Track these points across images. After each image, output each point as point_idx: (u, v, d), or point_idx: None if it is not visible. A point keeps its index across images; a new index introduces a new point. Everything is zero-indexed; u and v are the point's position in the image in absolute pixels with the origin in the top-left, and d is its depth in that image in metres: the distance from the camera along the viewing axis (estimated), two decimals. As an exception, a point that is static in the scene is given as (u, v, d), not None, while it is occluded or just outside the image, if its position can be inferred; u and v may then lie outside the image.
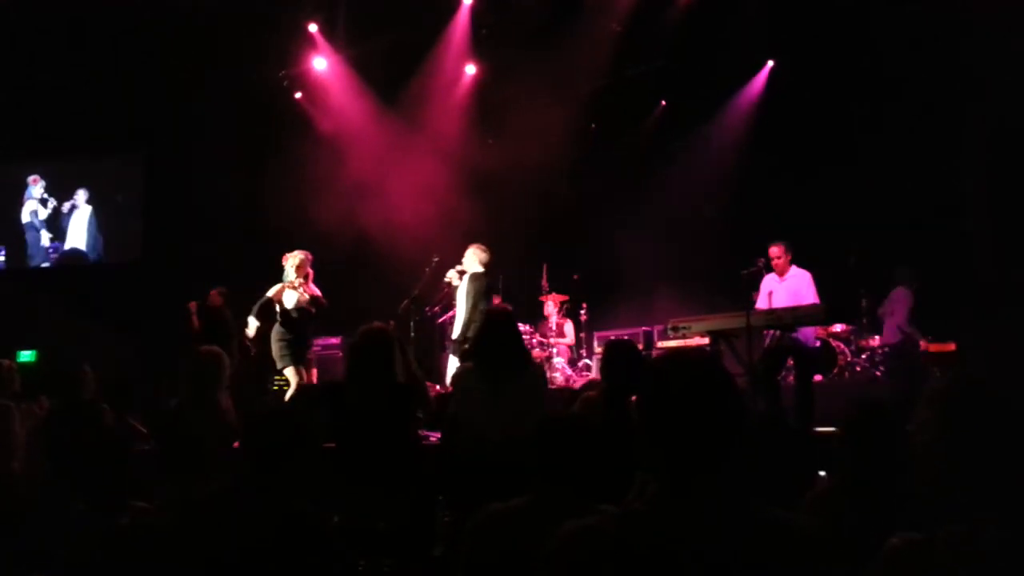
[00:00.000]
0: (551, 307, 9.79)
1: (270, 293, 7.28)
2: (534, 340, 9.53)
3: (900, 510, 1.96)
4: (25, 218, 11.26)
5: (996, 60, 8.12)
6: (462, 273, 7.46)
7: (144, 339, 10.25)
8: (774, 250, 6.92)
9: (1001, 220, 8.22)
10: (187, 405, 4.12)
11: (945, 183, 8.80)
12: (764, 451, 3.59)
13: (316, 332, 7.85)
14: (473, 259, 7.45)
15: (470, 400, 4.00)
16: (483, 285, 7.17)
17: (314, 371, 7.45)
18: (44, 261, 11.28)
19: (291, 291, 7.26)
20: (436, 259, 8.84)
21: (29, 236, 11.22)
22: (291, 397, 7.09)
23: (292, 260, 7.28)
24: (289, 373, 7.19)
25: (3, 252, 11.20)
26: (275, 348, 7.20)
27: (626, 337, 9.54)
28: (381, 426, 3.85)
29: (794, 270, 6.90)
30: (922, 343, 8.15)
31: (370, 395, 3.88)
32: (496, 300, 9.34)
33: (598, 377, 9.43)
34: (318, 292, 7.40)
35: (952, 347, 7.94)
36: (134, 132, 11.11)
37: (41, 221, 11.24)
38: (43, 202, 11.19)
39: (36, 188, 11.21)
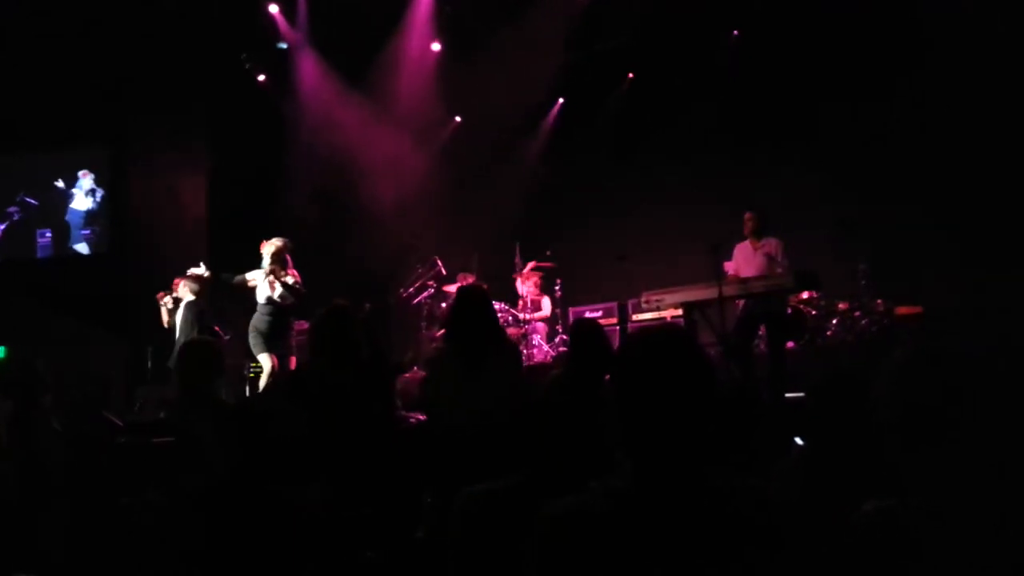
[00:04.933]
0: (528, 283, 9.78)
1: (247, 276, 7.28)
2: (509, 317, 9.55)
3: (871, 477, 2.00)
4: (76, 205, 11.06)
5: (957, 23, 8.22)
6: (177, 301, 7.87)
7: (117, 332, 10.13)
8: (747, 216, 7.04)
9: (969, 180, 8.34)
10: (185, 397, 4.05)
11: (911, 149, 8.90)
12: (738, 420, 3.65)
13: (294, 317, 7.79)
14: (185, 289, 7.80)
15: (446, 381, 3.96)
16: (196, 313, 7.64)
17: (292, 359, 7.39)
18: (86, 249, 11.04)
19: (263, 281, 7.20)
20: (409, 241, 8.88)
21: (72, 221, 11.00)
22: (265, 386, 7.07)
23: (268, 247, 7.21)
24: (263, 359, 7.19)
25: (48, 234, 10.89)
26: (249, 338, 7.18)
27: (600, 312, 9.62)
28: (349, 405, 3.83)
29: (767, 238, 7.00)
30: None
31: (334, 374, 3.86)
32: (470, 279, 9.39)
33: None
34: (297, 277, 7.31)
35: (919, 310, 8.08)
36: (97, 126, 10.87)
37: (84, 211, 11.04)
38: (91, 192, 10.98)
39: (86, 180, 11.02)
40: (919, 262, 8.54)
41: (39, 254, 10.98)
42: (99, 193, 11.02)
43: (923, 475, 1.47)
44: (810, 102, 9.57)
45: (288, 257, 7.27)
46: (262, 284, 7.22)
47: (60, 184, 11.05)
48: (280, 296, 7.16)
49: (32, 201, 11.04)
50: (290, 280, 7.15)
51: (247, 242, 7.50)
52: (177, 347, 7.15)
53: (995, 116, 8.16)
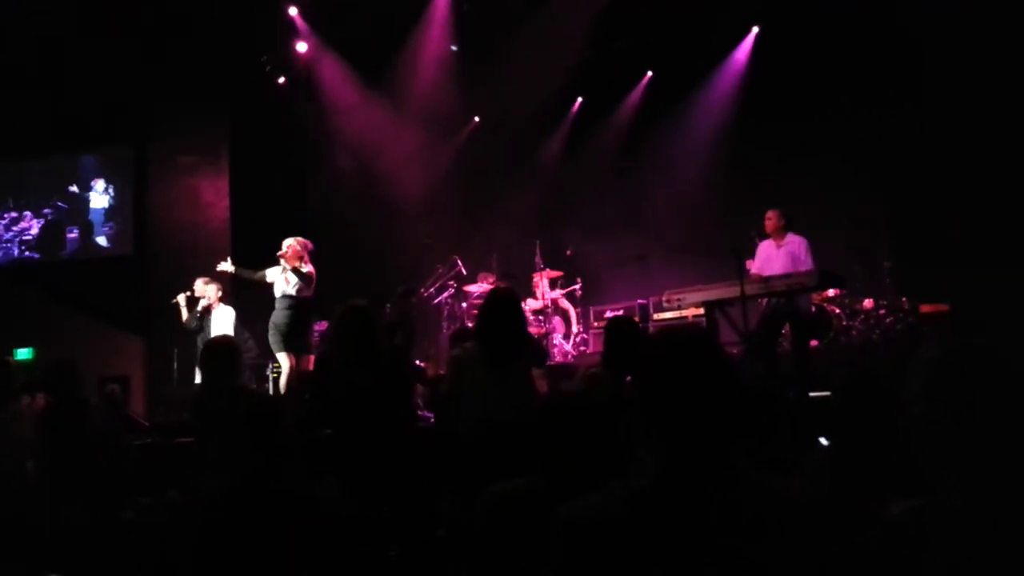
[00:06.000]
0: (544, 283, 9.79)
1: (264, 272, 7.35)
2: (531, 317, 9.54)
3: (898, 477, 1.97)
4: (95, 204, 11.52)
5: (981, 18, 8.10)
6: (194, 300, 8.03)
7: (141, 334, 10.25)
8: (769, 215, 6.96)
9: (992, 178, 8.22)
10: (209, 394, 4.08)
11: (939, 140, 8.78)
12: (762, 419, 3.62)
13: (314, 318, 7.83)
14: (216, 292, 8.05)
15: (472, 380, 3.96)
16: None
17: (311, 358, 7.40)
18: (105, 242, 11.43)
19: (279, 276, 7.25)
20: (427, 241, 8.89)
21: (94, 219, 11.46)
22: (287, 385, 7.10)
23: (286, 242, 7.24)
24: (281, 358, 7.23)
25: (76, 231, 11.36)
26: (269, 336, 7.23)
27: (621, 311, 9.57)
28: (370, 404, 3.84)
29: (790, 236, 6.92)
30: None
31: (353, 373, 3.87)
32: (490, 280, 9.40)
33: (591, 351, 9.50)
34: (312, 271, 7.31)
35: (945, 308, 7.97)
36: (119, 127, 11.00)
37: (103, 208, 11.48)
38: (106, 190, 11.44)
39: (99, 183, 11.48)
40: (943, 259, 8.41)
41: (68, 247, 11.40)
42: (111, 189, 11.38)
43: (951, 474, 1.45)
44: (832, 98, 9.47)
45: (305, 255, 7.28)
46: (278, 280, 7.26)
47: (75, 189, 11.45)
48: (296, 288, 7.19)
49: (63, 205, 11.48)
50: (304, 269, 7.16)
51: (269, 243, 7.53)
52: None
53: (1021, 110, 8.03)
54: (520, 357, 3.99)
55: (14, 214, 11.39)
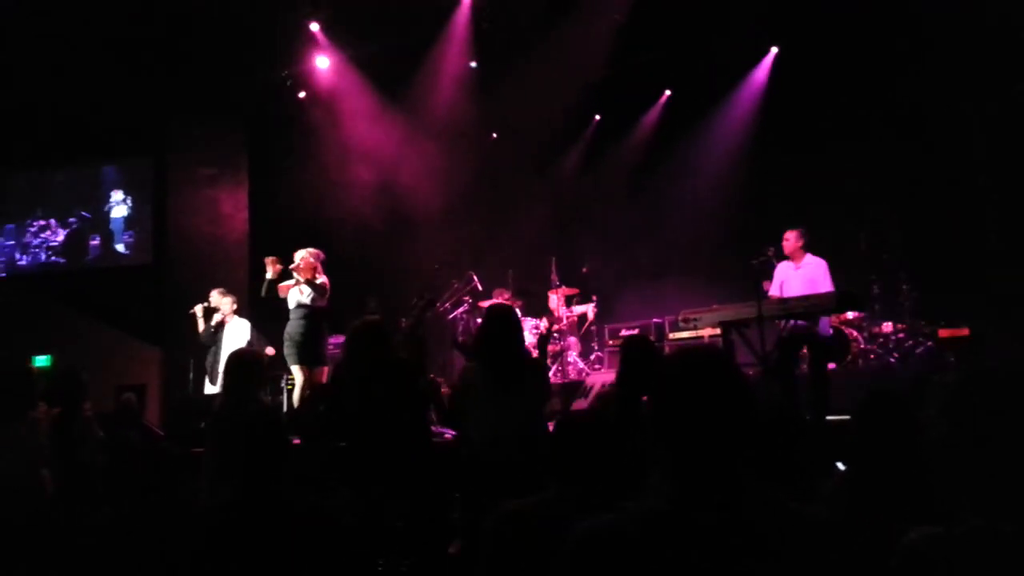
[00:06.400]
0: (557, 298, 9.78)
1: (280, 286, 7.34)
2: (544, 332, 9.49)
3: (917, 502, 1.94)
4: (115, 214, 11.87)
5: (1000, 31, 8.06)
6: (210, 311, 8.04)
7: (158, 343, 10.32)
8: (787, 235, 6.89)
9: (1013, 199, 8.14)
10: (231, 406, 4.10)
11: (956, 163, 8.71)
12: (779, 443, 3.58)
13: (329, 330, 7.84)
14: (230, 304, 8.10)
15: (475, 397, 3.97)
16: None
17: (324, 369, 7.41)
18: (124, 249, 11.73)
19: (293, 289, 7.27)
20: (438, 266, 9.06)
21: (115, 228, 11.81)
22: (300, 397, 7.11)
23: (299, 254, 7.24)
24: (295, 371, 7.23)
25: (98, 239, 11.73)
26: (284, 347, 7.24)
27: (636, 330, 9.53)
28: (382, 417, 3.84)
29: (809, 258, 6.84)
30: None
31: (366, 387, 3.88)
32: (505, 296, 9.39)
33: (606, 369, 9.45)
34: (326, 282, 7.29)
35: (966, 332, 7.87)
36: (140, 139, 11.14)
37: (122, 217, 11.81)
38: (124, 201, 11.81)
39: (117, 193, 11.86)
40: (963, 282, 8.33)
41: (91, 254, 11.73)
42: (130, 200, 11.71)
43: (970, 499, 1.42)
44: (851, 119, 9.43)
45: (319, 266, 7.29)
46: (292, 291, 7.28)
47: (98, 198, 11.81)
48: (310, 298, 7.20)
49: (86, 214, 11.81)
50: (319, 280, 7.16)
51: (287, 256, 7.55)
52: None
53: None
54: (521, 373, 3.98)
55: (41, 222, 11.79)
